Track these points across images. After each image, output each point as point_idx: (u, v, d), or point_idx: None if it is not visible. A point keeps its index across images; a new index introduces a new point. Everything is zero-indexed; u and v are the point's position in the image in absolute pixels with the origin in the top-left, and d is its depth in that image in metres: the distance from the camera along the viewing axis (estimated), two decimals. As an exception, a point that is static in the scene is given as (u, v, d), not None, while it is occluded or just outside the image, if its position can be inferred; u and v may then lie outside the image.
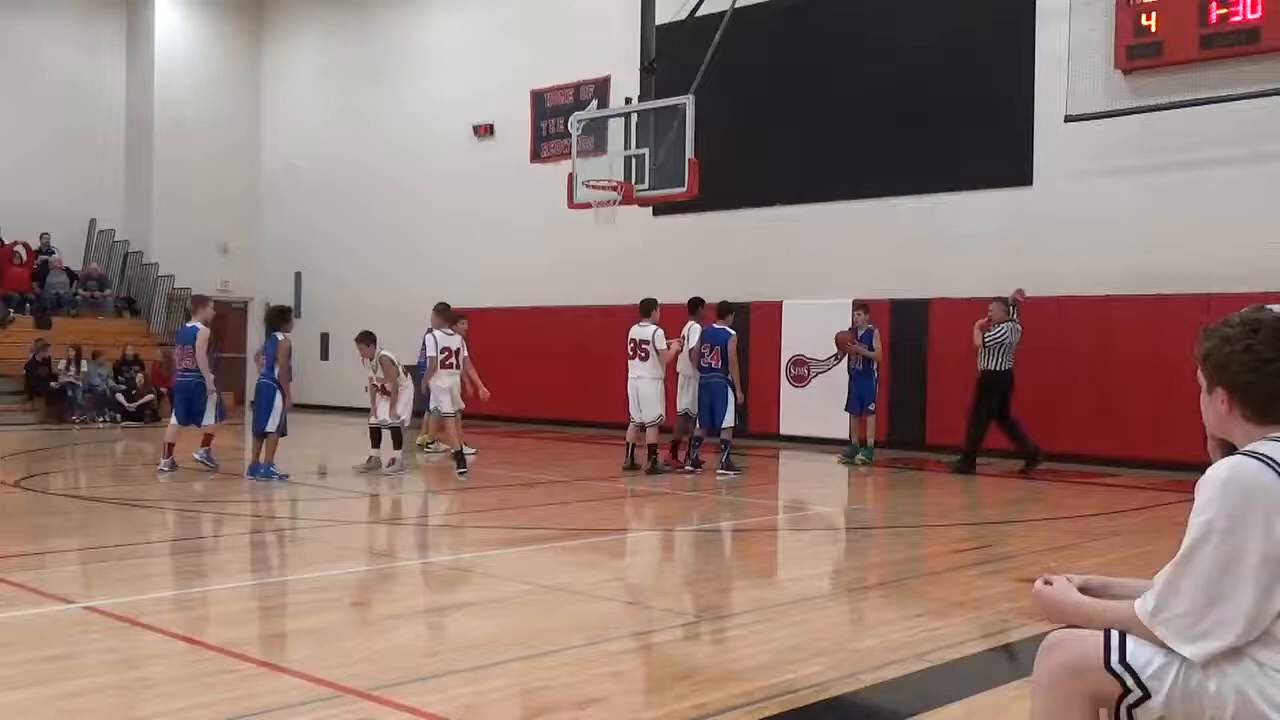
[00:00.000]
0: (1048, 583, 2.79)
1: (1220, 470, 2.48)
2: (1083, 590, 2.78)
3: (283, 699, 4.45)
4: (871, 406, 14.57)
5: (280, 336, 12.46)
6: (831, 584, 7.71)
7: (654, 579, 7.70)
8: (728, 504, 11.51)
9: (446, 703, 4.42)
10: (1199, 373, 2.67)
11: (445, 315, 13.41)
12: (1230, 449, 2.60)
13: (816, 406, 15.09)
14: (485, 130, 22.43)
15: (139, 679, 4.93)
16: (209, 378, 12.76)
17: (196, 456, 12.83)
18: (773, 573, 8.31)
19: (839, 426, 15.14)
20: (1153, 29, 14.06)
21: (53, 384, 20.72)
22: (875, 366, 14.57)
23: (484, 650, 5.30)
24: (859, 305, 14.77)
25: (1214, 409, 2.65)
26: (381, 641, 5.54)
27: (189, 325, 12.97)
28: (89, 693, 4.58)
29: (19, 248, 23.95)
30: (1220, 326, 2.63)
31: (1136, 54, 14.22)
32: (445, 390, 13.01)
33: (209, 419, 12.88)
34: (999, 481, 13.17)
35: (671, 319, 13.85)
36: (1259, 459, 2.47)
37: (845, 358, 14.78)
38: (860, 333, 14.60)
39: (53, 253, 24.17)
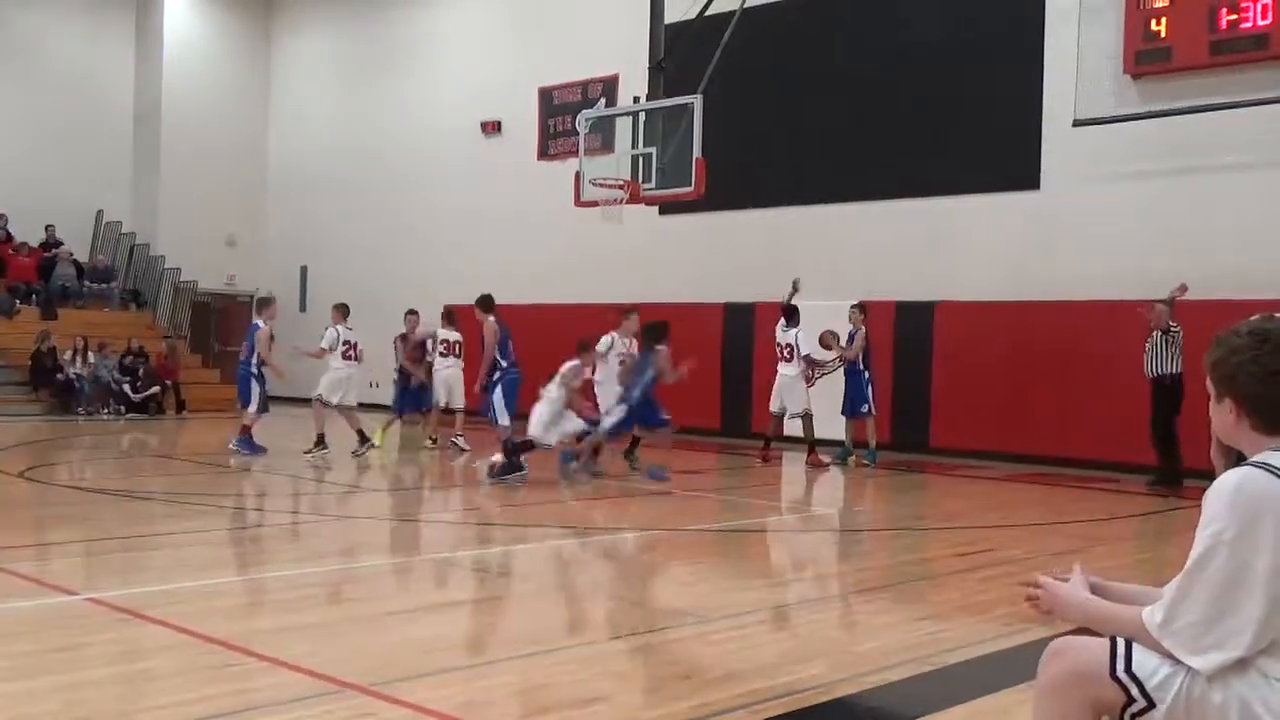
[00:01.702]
0: (1064, 578, 2.79)
1: (1229, 481, 2.48)
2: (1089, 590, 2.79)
3: (285, 693, 4.45)
4: (864, 408, 14.55)
5: (658, 346, 12.66)
6: (834, 586, 7.71)
7: (656, 578, 7.70)
8: (731, 505, 11.50)
9: (448, 699, 4.42)
10: (1207, 381, 2.67)
11: (343, 312, 14.66)
12: (1236, 457, 2.59)
13: (822, 408, 15.08)
14: (493, 127, 22.43)
15: (141, 671, 4.94)
16: (274, 369, 14.01)
17: (231, 445, 13.88)
18: (775, 574, 8.31)
19: (842, 426, 15.14)
20: (1162, 34, 14.03)
21: (58, 375, 20.74)
22: (861, 368, 14.56)
23: (486, 647, 5.31)
24: (855, 305, 14.81)
25: (1222, 419, 2.64)
26: (384, 637, 5.54)
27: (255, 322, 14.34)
28: (92, 684, 4.59)
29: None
30: (1229, 336, 2.62)
31: (1146, 59, 14.19)
32: (342, 380, 14.22)
33: (252, 408, 13.97)
34: (1001, 486, 13.16)
35: (670, 316, 13.79)
36: (1267, 470, 2.46)
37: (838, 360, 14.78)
38: (850, 332, 14.67)
39: (60, 244, 24.20)
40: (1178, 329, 12.65)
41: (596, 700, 4.51)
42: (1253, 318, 2.64)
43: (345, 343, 14.37)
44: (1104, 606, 2.71)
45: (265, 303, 14.66)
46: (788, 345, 14.59)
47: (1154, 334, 12.82)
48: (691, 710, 4.38)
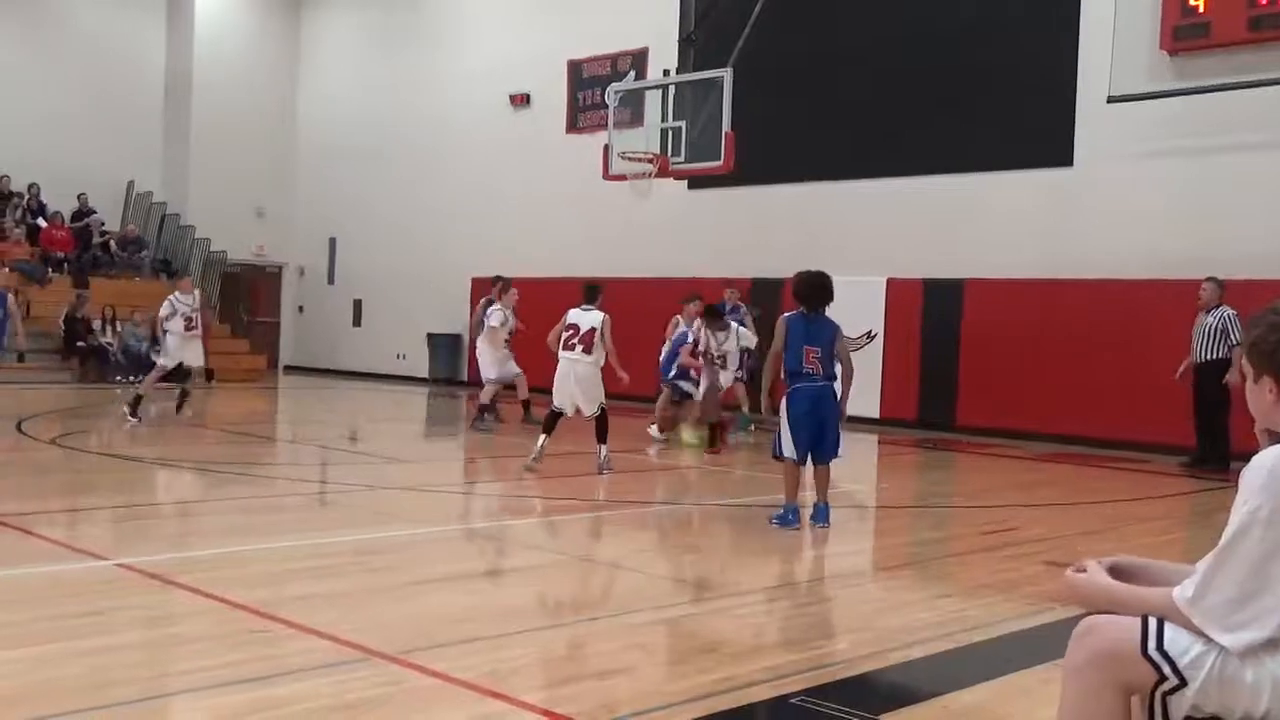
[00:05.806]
0: (1080, 570, 2.76)
1: (1266, 460, 2.44)
2: (1114, 571, 2.74)
3: (312, 660, 4.49)
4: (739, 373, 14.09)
5: None
6: (858, 562, 7.70)
7: (681, 552, 7.71)
8: (754, 479, 11.48)
9: (473, 669, 4.44)
10: (1244, 360, 2.63)
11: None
12: (1278, 438, 2.55)
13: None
14: (522, 100, 22.38)
15: (169, 636, 4.99)
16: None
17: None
18: (800, 549, 8.29)
19: (869, 404, 15.12)
20: (1200, 9, 13.81)
21: (81, 343, 20.84)
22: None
23: (511, 618, 5.33)
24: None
25: (1260, 398, 2.60)
26: (410, 606, 5.57)
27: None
28: (119, 649, 4.64)
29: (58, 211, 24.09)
30: (1266, 314, 2.58)
31: (1183, 35, 13.99)
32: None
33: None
34: (1027, 465, 13.09)
35: (697, 291, 13.73)
36: (1307, 448, 2.43)
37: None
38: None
39: (93, 212, 24.35)
40: (1234, 313, 12.20)
41: (620, 672, 4.53)
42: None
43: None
44: (1129, 589, 2.67)
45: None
46: None
47: (1202, 315, 12.47)
48: (715, 684, 4.38)
